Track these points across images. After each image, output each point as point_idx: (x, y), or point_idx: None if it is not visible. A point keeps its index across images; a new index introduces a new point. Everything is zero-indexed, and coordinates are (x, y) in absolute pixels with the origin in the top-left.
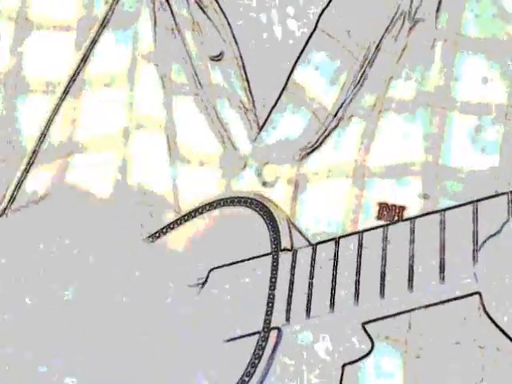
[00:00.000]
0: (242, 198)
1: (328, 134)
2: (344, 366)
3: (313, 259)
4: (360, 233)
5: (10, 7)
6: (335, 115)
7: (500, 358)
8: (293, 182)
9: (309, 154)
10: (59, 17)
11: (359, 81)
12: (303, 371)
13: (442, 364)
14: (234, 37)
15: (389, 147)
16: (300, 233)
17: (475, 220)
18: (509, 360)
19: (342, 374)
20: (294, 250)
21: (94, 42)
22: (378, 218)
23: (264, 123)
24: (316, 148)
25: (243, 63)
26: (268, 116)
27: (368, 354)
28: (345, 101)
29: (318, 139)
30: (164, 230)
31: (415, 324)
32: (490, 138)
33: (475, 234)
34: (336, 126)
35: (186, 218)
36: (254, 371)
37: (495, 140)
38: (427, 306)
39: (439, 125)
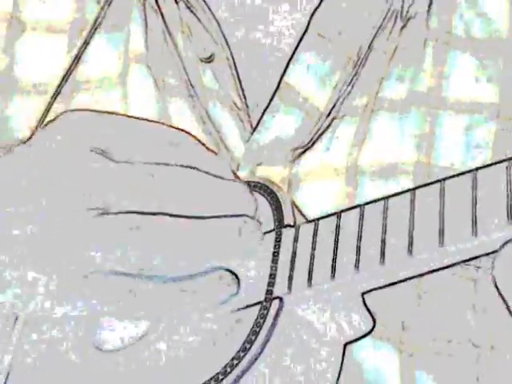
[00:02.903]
0: (245, 181)
1: (321, 134)
2: (346, 345)
3: (315, 232)
4: (361, 206)
5: (2, 8)
6: (328, 115)
7: (495, 357)
8: (286, 183)
9: (302, 154)
10: (52, 18)
11: (351, 81)
12: (303, 342)
13: (436, 363)
14: (224, 37)
15: (381, 147)
16: (303, 215)
17: (474, 187)
18: (503, 358)
19: (344, 353)
20: (296, 226)
21: (85, 43)
22: None
23: (257, 124)
24: (309, 148)
25: (235, 64)
26: (261, 117)
27: (370, 332)
28: (337, 101)
29: (310, 139)
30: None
31: (410, 322)
32: (481, 137)
33: (474, 201)
34: (328, 126)
35: None
36: (256, 339)
37: (487, 139)
38: (428, 273)
39: (431, 124)
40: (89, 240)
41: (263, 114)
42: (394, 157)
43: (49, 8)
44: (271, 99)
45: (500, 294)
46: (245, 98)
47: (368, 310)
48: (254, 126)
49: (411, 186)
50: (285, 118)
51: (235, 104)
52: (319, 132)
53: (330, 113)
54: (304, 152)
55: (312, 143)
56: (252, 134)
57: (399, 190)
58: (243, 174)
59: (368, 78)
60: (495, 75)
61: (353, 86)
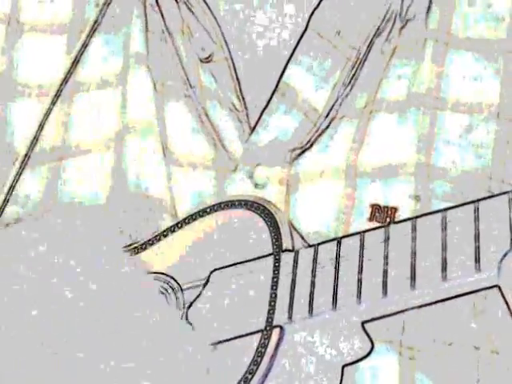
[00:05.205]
0: (243, 200)
1: (319, 135)
2: (344, 367)
3: (315, 259)
4: (362, 233)
5: (1, 10)
6: (326, 116)
7: (495, 360)
8: (284, 183)
9: (300, 154)
10: (51, 19)
11: (350, 81)
12: (304, 370)
13: (436, 365)
14: (224, 38)
15: (380, 148)
16: (301, 236)
17: (476, 219)
18: (504, 361)
19: (342, 375)
20: (295, 251)
21: (85, 44)
22: (370, 219)
23: (255, 125)
24: (307, 149)
25: (234, 64)
26: (259, 117)
27: (368, 355)
28: (336, 101)
29: (309, 140)
30: (164, 233)
31: (409, 325)
32: (482, 138)
33: (477, 234)
34: (327, 127)
35: (186, 220)
36: (257, 369)
37: (487, 139)
38: (429, 304)
39: (431, 125)
40: None
41: (262, 114)
42: (394, 158)
43: (48, 9)
44: (270, 100)
45: (507, 303)
46: (243, 98)
47: (366, 333)
48: (252, 126)
49: (411, 187)
50: (283, 118)
51: (234, 105)
52: (318, 133)
53: (328, 113)
54: (302, 153)
55: (310, 144)
56: (250, 134)
57: (398, 192)
58: (241, 174)
59: (367, 79)
60: (495, 75)
61: (352, 87)
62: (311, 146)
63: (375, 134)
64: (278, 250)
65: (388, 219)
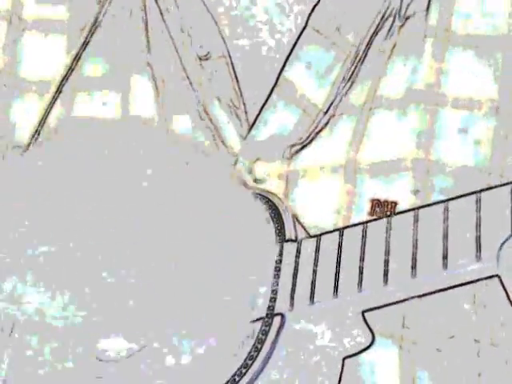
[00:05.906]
0: None
1: (319, 131)
2: (344, 359)
3: (317, 249)
4: (364, 223)
5: (3, 7)
6: (326, 112)
7: (496, 352)
8: (284, 178)
9: (299, 150)
10: (52, 17)
11: (350, 78)
12: (304, 359)
13: (437, 358)
14: (222, 36)
15: (380, 144)
16: (303, 227)
17: (478, 210)
18: (504, 354)
19: (343, 367)
20: (298, 240)
21: (86, 42)
22: (370, 214)
23: (254, 121)
24: (307, 145)
25: (232, 61)
26: (258, 113)
27: (369, 347)
28: (335, 98)
29: (308, 136)
30: None
31: (410, 318)
32: (481, 133)
33: (478, 223)
34: (327, 123)
35: None
36: (257, 355)
37: (486, 135)
38: (430, 294)
39: (430, 121)
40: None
41: (261, 110)
42: (394, 153)
43: (49, 6)
44: (269, 95)
45: (506, 292)
46: (241, 95)
47: (367, 325)
48: (250, 123)
49: (411, 182)
50: (283, 114)
51: (232, 102)
52: (317, 129)
53: (328, 110)
54: (302, 149)
55: (310, 140)
56: (249, 130)
57: (398, 187)
58: (240, 170)
59: (366, 76)
60: (494, 71)
61: (351, 84)
62: (311, 141)
63: (375, 130)
64: (281, 239)
65: (388, 214)
